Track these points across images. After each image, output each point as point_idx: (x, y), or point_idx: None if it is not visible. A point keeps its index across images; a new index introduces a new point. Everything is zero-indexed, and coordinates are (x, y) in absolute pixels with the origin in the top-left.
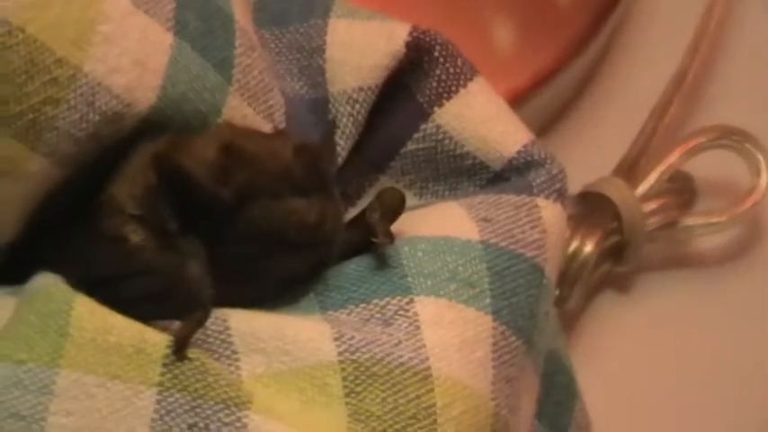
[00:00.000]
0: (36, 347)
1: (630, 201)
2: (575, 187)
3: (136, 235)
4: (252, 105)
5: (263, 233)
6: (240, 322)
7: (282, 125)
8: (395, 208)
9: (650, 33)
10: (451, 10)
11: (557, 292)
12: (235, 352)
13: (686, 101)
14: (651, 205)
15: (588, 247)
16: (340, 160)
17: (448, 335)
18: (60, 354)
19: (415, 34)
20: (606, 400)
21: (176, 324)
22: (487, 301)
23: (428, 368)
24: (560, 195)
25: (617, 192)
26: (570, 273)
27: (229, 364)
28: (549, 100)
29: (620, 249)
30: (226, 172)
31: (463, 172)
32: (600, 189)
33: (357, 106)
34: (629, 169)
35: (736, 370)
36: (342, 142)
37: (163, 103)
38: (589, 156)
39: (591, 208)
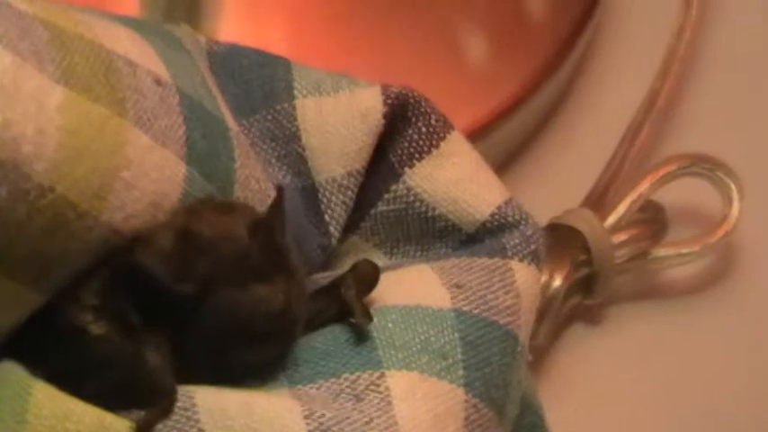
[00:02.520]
0: None
1: (600, 232)
2: (543, 219)
3: (95, 327)
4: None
5: (229, 325)
6: (206, 399)
7: None
8: (370, 283)
9: (619, 59)
10: (423, 34)
11: None
12: (201, 430)
13: (656, 127)
14: (621, 236)
15: (557, 281)
16: (332, 243)
17: (420, 410)
18: None
19: (388, 102)
20: None
21: (139, 413)
22: (460, 372)
23: None
24: (535, 257)
25: (586, 224)
26: (539, 308)
27: None
28: (517, 127)
29: (590, 282)
30: (184, 263)
31: (435, 234)
32: (568, 221)
33: (349, 192)
34: (599, 199)
35: (708, 401)
36: (333, 229)
37: None
38: (557, 186)
39: (559, 240)
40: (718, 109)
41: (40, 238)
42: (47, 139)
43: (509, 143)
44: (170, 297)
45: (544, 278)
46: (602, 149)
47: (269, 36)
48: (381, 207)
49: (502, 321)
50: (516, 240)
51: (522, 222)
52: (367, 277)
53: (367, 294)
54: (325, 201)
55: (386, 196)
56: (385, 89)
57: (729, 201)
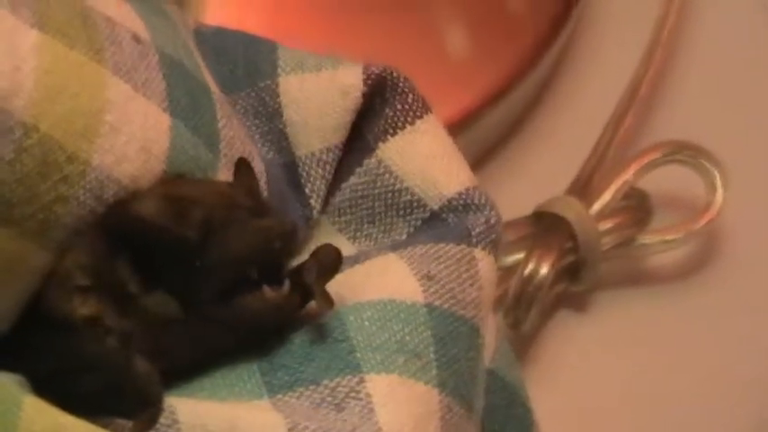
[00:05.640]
0: None
1: (586, 220)
2: (529, 207)
3: (84, 309)
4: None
5: (239, 258)
6: (189, 414)
7: (265, 193)
8: (332, 266)
9: (602, 47)
10: (402, 26)
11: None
12: None
13: (640, 115)
14: (606, 224)
15: (544, 269)
16: (314, 216)
17: (401, 414)
18: None
19: (369, 82)
20: (564, 421)
21: (125, 423)
22: (434, 372)
23: None
24: (494, 247)
25: (572, 211)
26: (526, 295)
27: None
28: (501, 118)
29: (577, 269)
30: (180, 215)
31: (399, 209)
32: (554, 209)
33: (327, 167)
34: (584, 187)
35: (693, 386)
36: (314, 202)
37: None
38: (542, 174)
39: (545, 228)
40: (702, 96)
41: (33, 180)
42: (22, 76)
43: (494, 133)
44: (173, 247)
45: (531, 266)
46: (587, 137)
47: (248, 26)
48: (353, 180)
49: (468, 315)
50: (481, 227)
51: (488, 208)
52: (329, 262)
53: (329, 279)
54: (304, 175)
55: (358, 170)
56: (366, 68)
57: (713, 188)
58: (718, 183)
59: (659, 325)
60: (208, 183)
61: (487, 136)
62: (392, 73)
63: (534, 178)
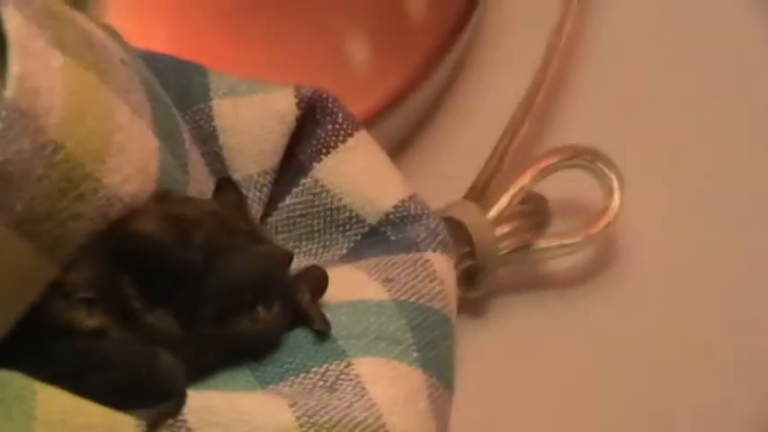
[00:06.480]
0: None
1: (482, 224)
2: None
3: (91, 321)
4: (203, 197)
5: (240, 283)
6: (191, 399)
7: None
8: (321, 287)
9: (501, 52)
10: (305, 32)
11: None
12: (190, 429)
13: (538, 121)
14: (504, 228)
15: None
16: None
17: (392, 390)
18: None
19: (302, 105)
20: (462, 426)
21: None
22: (415, 355)
23: (383, 425)
24: (445, 247)
25: (469, 216)
26: None
27: None
28: (399, 123)
29: (473, 274)
30: (182, 237)
31: (338, 226)
32: (451, 213)
33: (264, 189)
34: (481, 192)
35: (591, 391)
36: None
37: None
38: (440, 179)
39: None
40: (599, 102)
41: (55, 196)
42: (55, 96)
43: (392, 138)
44: (176, 268)
45: None
46: (485, 143)
47: (153, 32)
48: (289, 200)
49: (436, 307)
50: (423, 234)
51: (425, 216)
52: (318, 282)
53: (319, 299)
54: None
55: (294, 190)
56: (298, 92)
57: (610, 192)
58: (615, 187)
59: (557, 329)
60: (198, 201)
61: (385, 141)
62: (321, 95)
63: (432, 183)
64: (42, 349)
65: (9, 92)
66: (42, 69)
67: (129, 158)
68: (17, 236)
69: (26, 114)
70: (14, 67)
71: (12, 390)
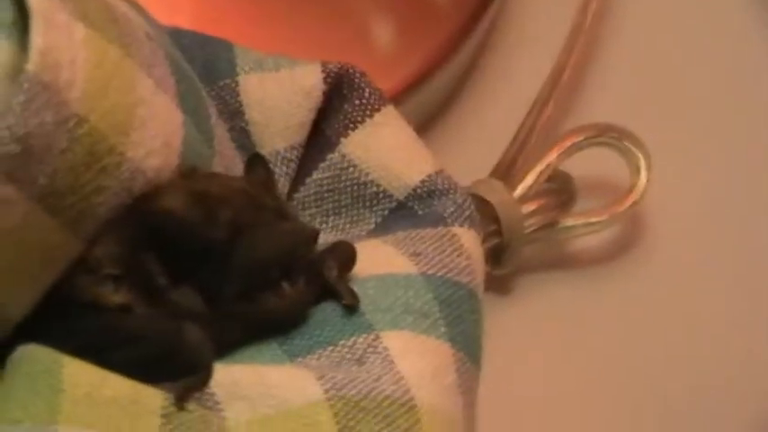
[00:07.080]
0: (30, 406)
1: (509, 202)
2: None
3: (117, 297)
4: (229, 173)
5: (266, 260)
6: (218, 372)
7: None
8: (349, 262)
9: (526, 31)
10: (328, 11)
11: None
12: (217, 402)
13: (564, 99)
14: (530, 206)
15: None
16: None
17: (420, 364)
18: (57, 410)
19: (328, 80)
20: (489, 404)
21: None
22: (442, 329)
23: (412, 398)
24: (473, 222)
25: (495, 194)
26: None
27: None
28: (425, 101)
29: (500, 252)
30: (209, 214)
31: (365, 201)
32: (477, 191)
33: (291, 164)
34: (507, 170)
35: (618, 368)
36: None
37: None
38: (466, 157)
39: None
40: (625, 80)
41: (78, 170)
42: (77, 68)
43: (418, 117)
44: (201, 244)
45: None
46: (511, 122)
47: (177, 8)
48: (317, 175)
49: (464, 281)
50: (451, 209)
51: (452, 191)
52: (346, 258)
53: (347, 274)
54: None
55: (321, 165)
56: (324, 67)
57: (636, 170)
58: (642, 165)
59: (582, 307)
60: (224, 178)
61: (411, 120)
62: (348, 70)
63: (458, 161)
64: (68, 324)
65: (31, 65)
66: (65, 42)
67: (152, 132)
68: (41, 209)
69: (48, 87)
70: (37, 39)
71: (39, 364)
